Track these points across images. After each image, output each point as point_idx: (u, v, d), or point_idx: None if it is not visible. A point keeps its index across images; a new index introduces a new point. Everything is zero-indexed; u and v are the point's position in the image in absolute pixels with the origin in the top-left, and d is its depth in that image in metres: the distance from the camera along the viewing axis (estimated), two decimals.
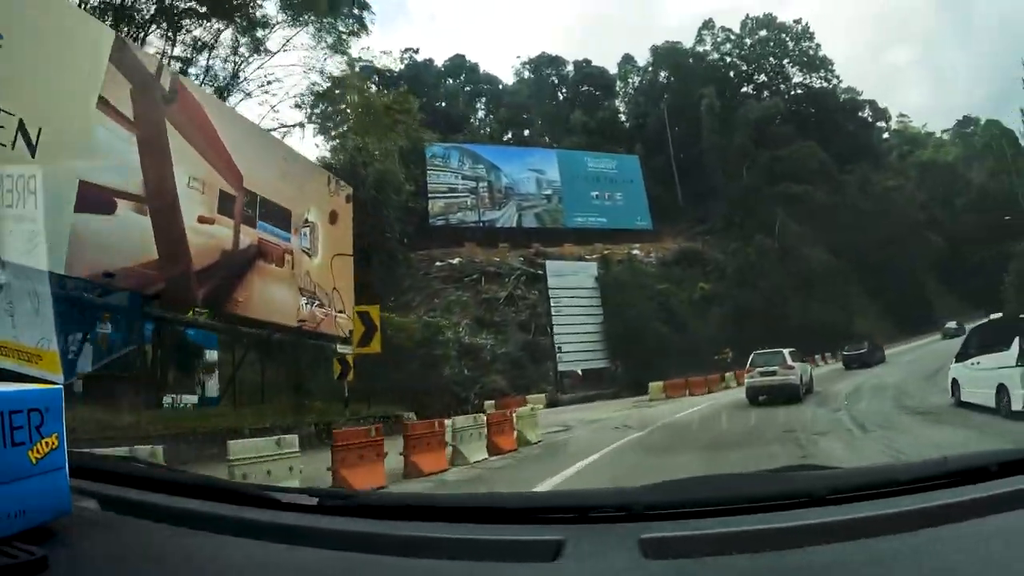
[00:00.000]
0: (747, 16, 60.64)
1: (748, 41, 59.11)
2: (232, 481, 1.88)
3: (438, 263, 37.78)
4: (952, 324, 38.74)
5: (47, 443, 1.01)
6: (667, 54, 57.77)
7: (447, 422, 10.87)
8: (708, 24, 60.17)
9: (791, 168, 49.11)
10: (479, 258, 38.29)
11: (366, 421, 13.56)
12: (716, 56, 59.01)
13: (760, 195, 47.32)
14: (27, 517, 0.97)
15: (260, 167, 15.67)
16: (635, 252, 41.85)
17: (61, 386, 1.07)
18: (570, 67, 59.63)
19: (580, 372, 33.09)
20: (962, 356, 12.02)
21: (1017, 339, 9.81)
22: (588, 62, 58.61)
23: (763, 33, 58.79)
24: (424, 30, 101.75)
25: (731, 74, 57.78)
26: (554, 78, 59.33)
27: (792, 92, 57.53)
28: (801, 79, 59.10)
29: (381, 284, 30.93)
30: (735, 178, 49.29)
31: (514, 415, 13.09)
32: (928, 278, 52.24)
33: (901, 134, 66.53)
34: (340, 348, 17.31)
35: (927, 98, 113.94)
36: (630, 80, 59.95)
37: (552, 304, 33.93)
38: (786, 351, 18.17)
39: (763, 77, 58.01)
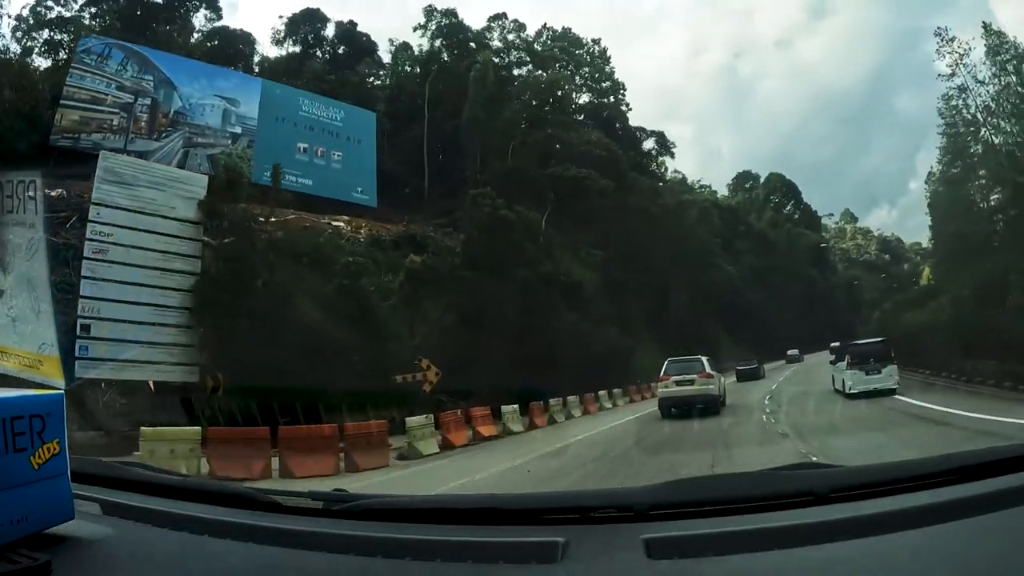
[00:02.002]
0: (544, 25, 59.72)
1: (539, 47, 57.65)
2: (234, 485, 1.56)
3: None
4: (795, 351, 52.97)
5: (48, 449, 1.08)
6: (447, 27, 52.21)
7: None
8: (500, 16, 56.44)
9: (572, 154, 43.27)
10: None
11: None
12: (501, 49, 55.16)
13: (528, 177, 39.02)
14: (29, 523, 1.04)
15: None
16: (338, 224, 33.38)
17: (62, 392, 1.15)
18: (331, 28, 50.29)
19: (151, 385, 18.08)
20: (833, 363, 23.13)
21: (847, 356, 19.92)
22: (354, 24, 50.98)
23: (558, 44, 58.78)
24: None
25: (513, 72, 54.69)
26: (311, 37, 49.48)
27: (578, 105, 56.90)
28: (589, 98, 59.01)
29: None
30: (499, 160, 42.76)
31: None
32: (712, 311, 50.25)
33: (678, 182, 71.59)
34: None
35: (695, 170, 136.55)
36: (400, 68, 53.74)
37: (89, 237, 18.10)
38: (704, 358, 18.13)
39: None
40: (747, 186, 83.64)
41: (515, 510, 1.30)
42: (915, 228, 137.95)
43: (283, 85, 39.83)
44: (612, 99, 59.21)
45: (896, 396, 17.55)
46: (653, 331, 42.11)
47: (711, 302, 49.50)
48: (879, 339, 21.90)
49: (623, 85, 60.06)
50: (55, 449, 1.06)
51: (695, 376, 17.12)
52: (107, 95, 32.37)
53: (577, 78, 59.02)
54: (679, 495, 1.27)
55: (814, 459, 6.82)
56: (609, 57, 60.11)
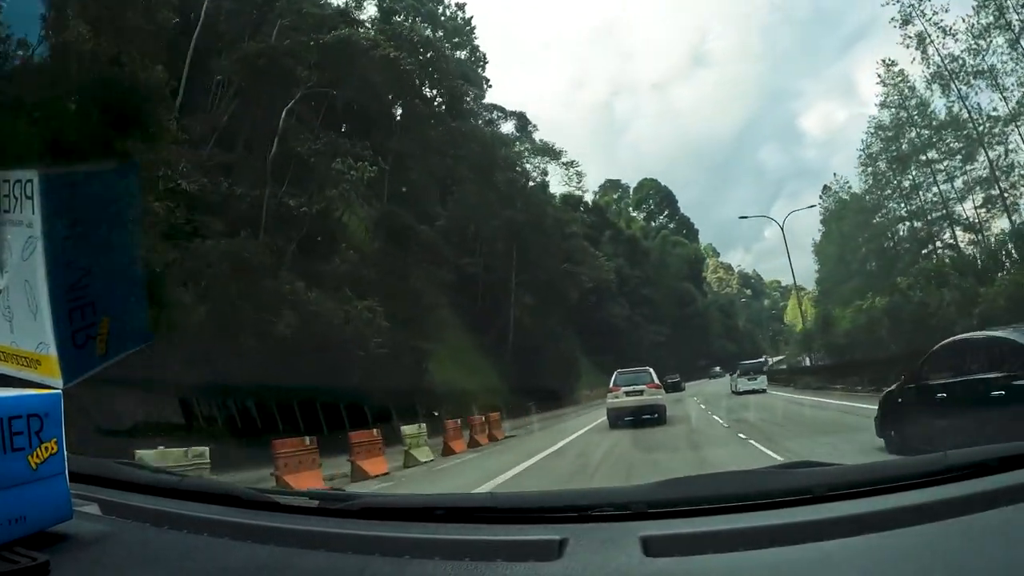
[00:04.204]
0: None
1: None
2: (232, 485, 1.58)
3: None
4: (717, 369, 60.52)
5: (47, 448, 1.08)
6: None
7: None
8: None
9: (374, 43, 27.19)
10: None
11: None
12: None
13: (280, 52, 23.74)
14: (28, 522, 1.04)
15: None
16: None
17: (60, 391, 1.16)
18: None
19: None
20: (731, 375, 37.56)
21: (739, 369, 34.50)
22: None
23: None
24: None
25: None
26: None
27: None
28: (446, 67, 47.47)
29: None
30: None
31: None
32: (567, 320, 41.88)
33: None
34: None
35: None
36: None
37: None
38: (651, 370, 18.62)
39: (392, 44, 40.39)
40: (616, 196, 77.52)
41: (513, 509, 1.31)
42: (769, 271, 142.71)
43: None
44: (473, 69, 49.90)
45: (768, 392, 29.58)
46: (477, 337, 32.24)
47: (566, 308, 39.42)
48: (759, 359, 39.84)
49: (485, 58, 51.63)
50: (53, 448, 1.06)
51: (644, 387, 17.77)
52: None
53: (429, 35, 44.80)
54: (676, 493, 1.28)
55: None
56: (473, 28, 51.77)
